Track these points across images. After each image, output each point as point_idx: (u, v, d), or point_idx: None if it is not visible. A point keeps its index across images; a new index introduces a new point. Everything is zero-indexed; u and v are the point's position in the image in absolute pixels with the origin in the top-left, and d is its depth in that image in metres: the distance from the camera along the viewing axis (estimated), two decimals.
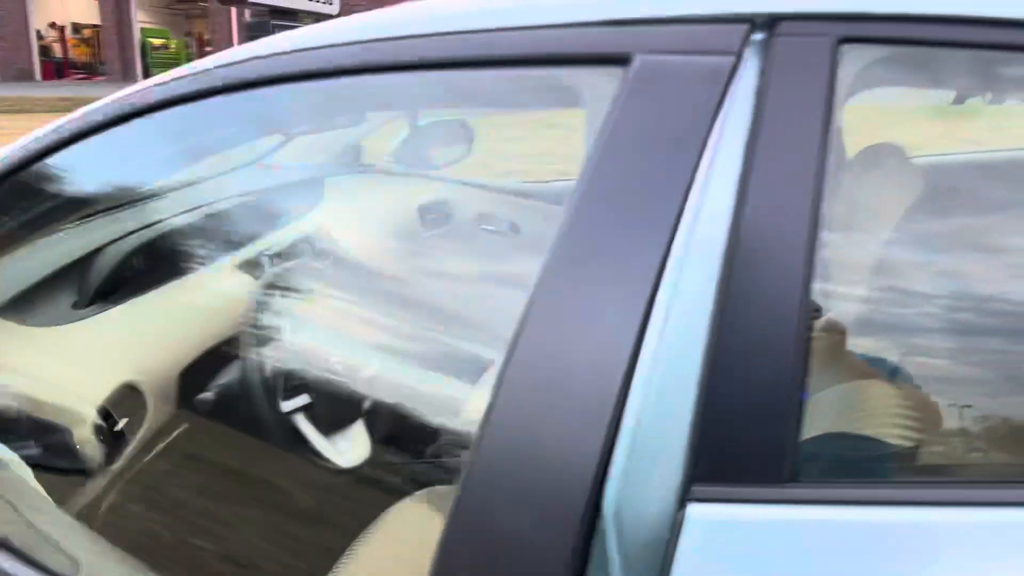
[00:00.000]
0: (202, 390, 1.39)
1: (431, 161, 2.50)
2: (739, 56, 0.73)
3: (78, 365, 1.26)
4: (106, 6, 34.29)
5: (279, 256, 1.71)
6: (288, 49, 0.90)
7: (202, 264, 1.62)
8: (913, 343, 0.91)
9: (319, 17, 17.86)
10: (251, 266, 1.69)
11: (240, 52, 0.96)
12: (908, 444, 0.79)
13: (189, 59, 37.35)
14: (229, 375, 1.37)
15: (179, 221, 1.63)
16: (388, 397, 1.33)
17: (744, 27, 0.74)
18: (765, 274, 0.65)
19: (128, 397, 1.27)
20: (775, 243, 0.72)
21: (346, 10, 19.09)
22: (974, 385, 0.85)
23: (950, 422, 0.81)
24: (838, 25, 0.75)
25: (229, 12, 31.64)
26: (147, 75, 34.86)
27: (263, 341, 1.41)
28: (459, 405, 1.19)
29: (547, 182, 2.47)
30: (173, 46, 38.34)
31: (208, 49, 35.72)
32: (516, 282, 1.21)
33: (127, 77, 34.38)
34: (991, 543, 0.57)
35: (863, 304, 0.90)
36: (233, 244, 1.76)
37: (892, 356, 0.92)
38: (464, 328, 1.29)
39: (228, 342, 1.47)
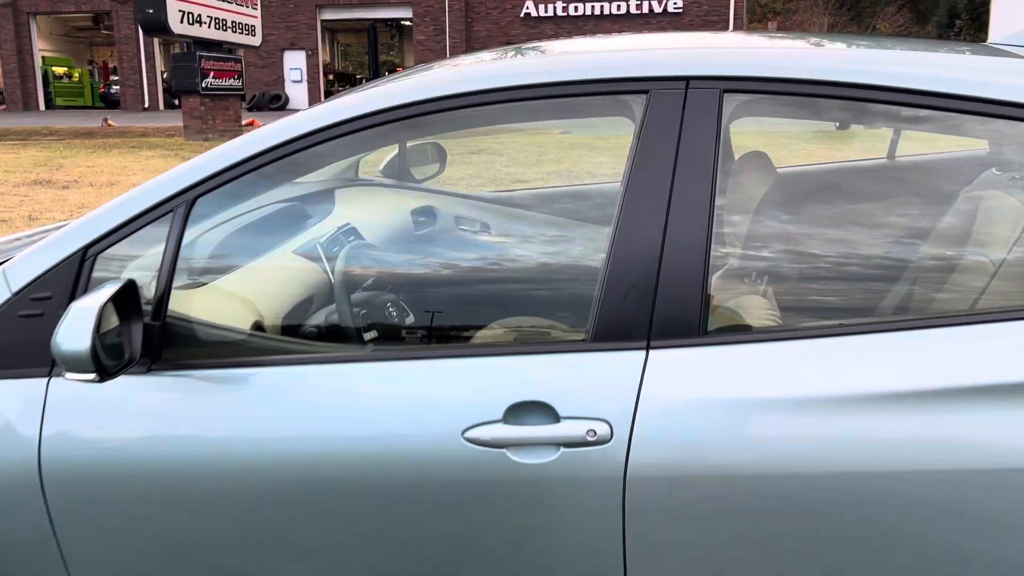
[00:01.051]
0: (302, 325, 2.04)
1: (414, 175, 3.13)
2: (686, 89, 1.47)
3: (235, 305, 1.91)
4: (5, 35, 33.44)
5: (324, 242, 2.36)
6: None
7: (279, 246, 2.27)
8: (766, 269, 1.63)
9: (241, 48, 18.10)
10: (307, 248, 2.34)
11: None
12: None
13: (93, 88, 36.67)
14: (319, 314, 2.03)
15: (265, 214, 2.28)
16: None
17: (679, 80, 1.48)
18: (686, 223, 1.39)
19: (258, 327, 1.91)
20: (691, 198, 1.44)
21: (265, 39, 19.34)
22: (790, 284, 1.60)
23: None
24: (721, 83, 1.49)
25: (137, 41, 31.33)
26: (49, 105, 34.07)
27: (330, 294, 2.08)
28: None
29: (510, 191, 3.14)
30: (76, 75, 37.50)
31: (114, 78, 35.13)
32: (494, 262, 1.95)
33: (28, 107, 33.53)
34: None
35: (738, 248, 1.63)
36: (292, 233, 2.41)
37: (754, 275, 1.64)
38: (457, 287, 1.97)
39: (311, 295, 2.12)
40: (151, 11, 14.96)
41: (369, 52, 38.03)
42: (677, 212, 1.53)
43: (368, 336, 1.93)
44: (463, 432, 1.54)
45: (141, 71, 33.32)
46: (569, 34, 29.98)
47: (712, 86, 1.56)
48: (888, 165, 2.45)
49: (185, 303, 1.80)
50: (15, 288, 1.78)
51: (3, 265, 1.86)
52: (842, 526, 1.44)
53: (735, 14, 28.74)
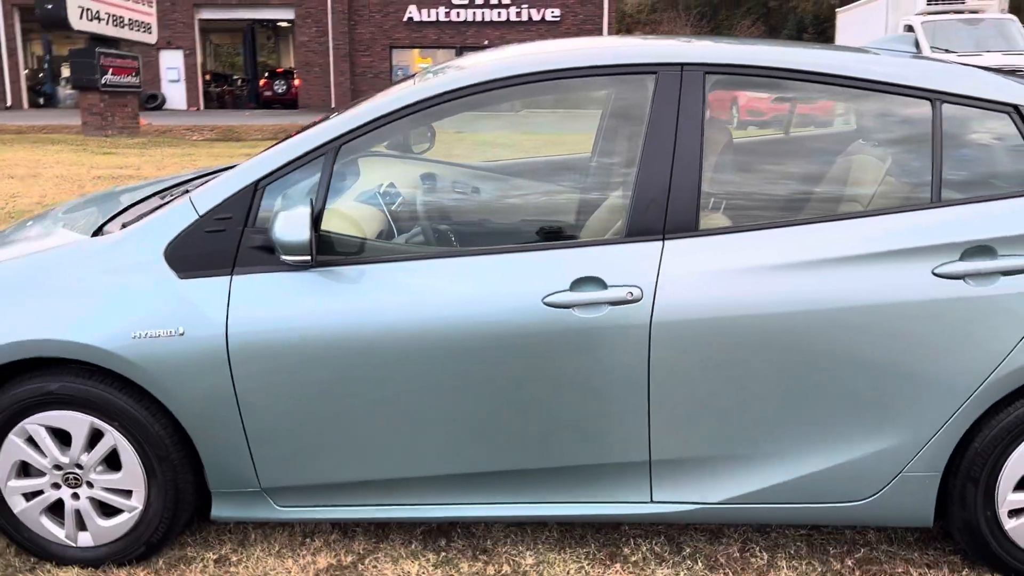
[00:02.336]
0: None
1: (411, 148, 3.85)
2: (680, 73, 2.29)
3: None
4: None
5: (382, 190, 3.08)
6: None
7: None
8: (726, 193, 2.49)
9: (139, 44, 17.94)
10: (367, 196, 3.05)
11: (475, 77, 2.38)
12: None
13: None
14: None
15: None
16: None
17: (674, 66, 2.32)
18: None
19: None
20: (688, 144, 2.29)
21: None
22: None
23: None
24: (704, 67, 2.33)
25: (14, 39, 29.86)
26: None
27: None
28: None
29: (494, 162, 3.92)
30: None
31: None
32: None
33: None
34: None
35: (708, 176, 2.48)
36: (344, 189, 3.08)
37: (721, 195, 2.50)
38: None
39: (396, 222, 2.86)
40: (50, 7, 14.74)
41: (247, 52, 37.58)
42: (679, 153, 2.37)
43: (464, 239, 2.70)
44: (543, 299, 2.33)
45: (3, 69, 31.85)
46: (451, 39, 30.79)
47: (698, 70, 2.41)
48: (790, 137, 3.39)
49: (325, 221, 2.49)
50: (202, 211, 2.44)
51: (190, 194, 2.50)
52: (784, 345, 2.31)
53: (608, 23, 30.32)
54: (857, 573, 2.52)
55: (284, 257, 2.28)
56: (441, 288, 2.37)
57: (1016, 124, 2.39)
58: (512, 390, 2.38)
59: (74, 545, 2.59)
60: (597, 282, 2.33)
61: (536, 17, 30.24)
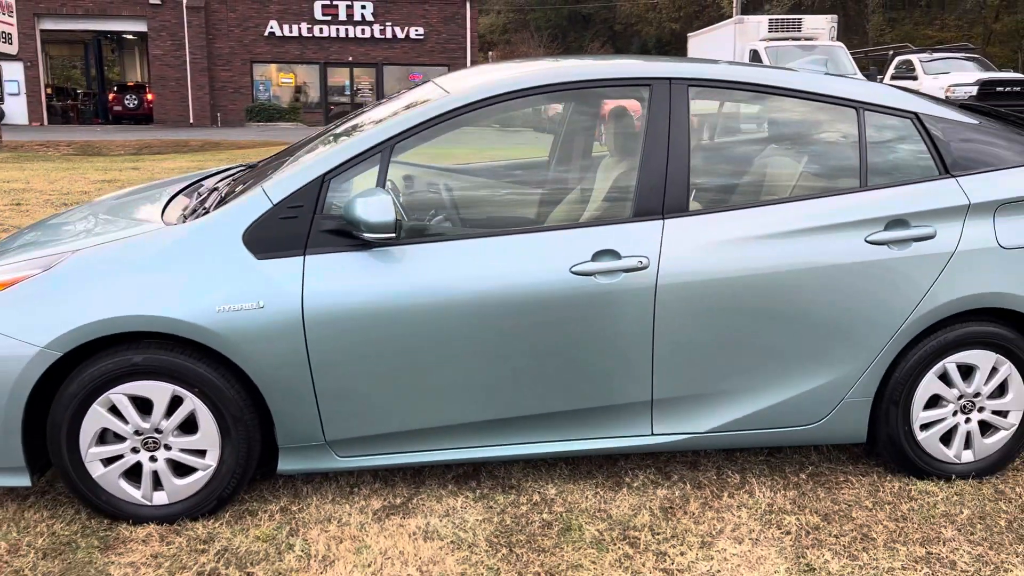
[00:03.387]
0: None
1: None
2: (669, 86, 2.89)
3: None
4: None
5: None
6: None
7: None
8: (705, 184, 3.10)
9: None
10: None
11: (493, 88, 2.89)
12: None
13: None
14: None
15: None
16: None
17: (664, 80, 2.92)
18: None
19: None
20: (678, 138, 2.89)
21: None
22: None
23: None
24: (688, 81, 2.94)
25: None
26: None
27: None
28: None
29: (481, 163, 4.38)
30: None
31: None
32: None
33: None
34: None
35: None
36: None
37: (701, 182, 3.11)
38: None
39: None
40: None
41: (91, 65, 35.98)
42: (673, 146, 2.95)
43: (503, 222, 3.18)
44: (570, 268, 2.85)
45: None
46: (314, 54, 30.72)
47: (683, 83, 3.01)
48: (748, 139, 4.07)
49: None
50: (276, 200, 2.81)
51: (262, 184, 2.86)
52: (756, 299, 2.93)
53: (471, 43, 31.17)
54: (811, 484, 3.18)
55: (369, 236, 2.70)
56: (487, 261, 2.85)
57: (916, 126, 3.13)
58: (546, 344, 2.89)
59: (149, 504, 2.87)
60: (613, 254, 2.88)
61: (400, 35, 30.70)
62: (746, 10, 35.78)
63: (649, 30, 61.30)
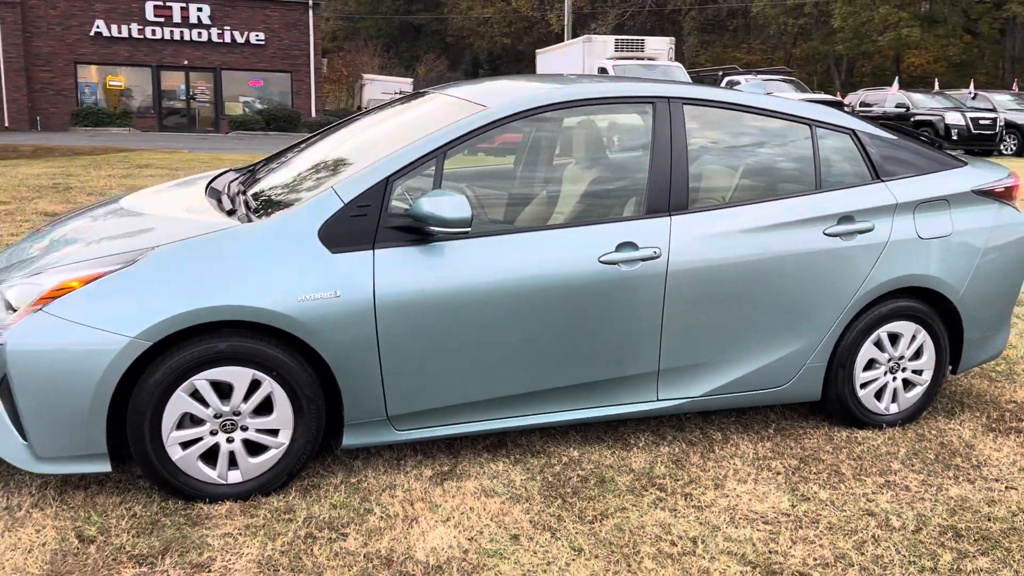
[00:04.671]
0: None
1: None
2: (668, 104, 3.46)
3: None
4: None
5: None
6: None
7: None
8: (705, 186, 3.70)
9: None
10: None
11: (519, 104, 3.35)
12: None
13: None
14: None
15: None
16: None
17: (663, 99, 3.48)
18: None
19: None
20: (677, 145, 3.46)
21: None
22: None
23: None
24: (680, 100, 3.53)
25: None
26: None
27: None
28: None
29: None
30: None
31: None
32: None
33: None
34: None
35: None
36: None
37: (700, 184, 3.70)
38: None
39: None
40: None
41: None
42: (675, 151, 3.50)
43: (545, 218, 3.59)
44: (599, 258, 3.33)
45: None
46: (146, 57, 29.37)
47: (678, 102, 3.57)
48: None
49: None
50: (347, 200, 3.12)
51: (333, 185, 3.14)
52: (742, 282, 3.53)
53: (314, 51, 30.85)
54: (779, 437, 3.82)
55: (445, 230, 3.05)
56: (527, 253, 3.28)
57: (854, 140, 3.85)
58: (576, 324, 3.35)
59: (225, 483, 3.08)
60: (632, 245, 3.39)
61: (240, 40, 29.93)
62: (574, 29, 37.51)
63: (481, 43, 62.68)
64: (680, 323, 3.49)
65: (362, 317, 3.08)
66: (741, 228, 3.55)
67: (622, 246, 3.38)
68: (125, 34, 28.95)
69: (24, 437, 2.94)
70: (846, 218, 3.71)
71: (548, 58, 25.10)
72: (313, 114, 30.82)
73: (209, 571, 2.68)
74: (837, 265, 3.68)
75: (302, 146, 4.34)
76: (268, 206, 3.40)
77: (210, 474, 3.06)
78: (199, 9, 29.39)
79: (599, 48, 20.72)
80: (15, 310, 2.95)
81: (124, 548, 2.78)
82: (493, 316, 3.24)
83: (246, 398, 3.04)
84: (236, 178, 4.07)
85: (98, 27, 28.73)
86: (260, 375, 3.03)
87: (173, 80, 29.99)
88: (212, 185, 3.98)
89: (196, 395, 2.99)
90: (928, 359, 3.94)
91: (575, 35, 38.15)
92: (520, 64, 65.35)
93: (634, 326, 3.44)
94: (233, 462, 3.09)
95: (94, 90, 29.48)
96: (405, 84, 40.14)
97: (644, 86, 3.65)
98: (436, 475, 3.34)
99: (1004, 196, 4.07)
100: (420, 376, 3.22)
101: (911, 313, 3.85)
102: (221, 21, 29.75)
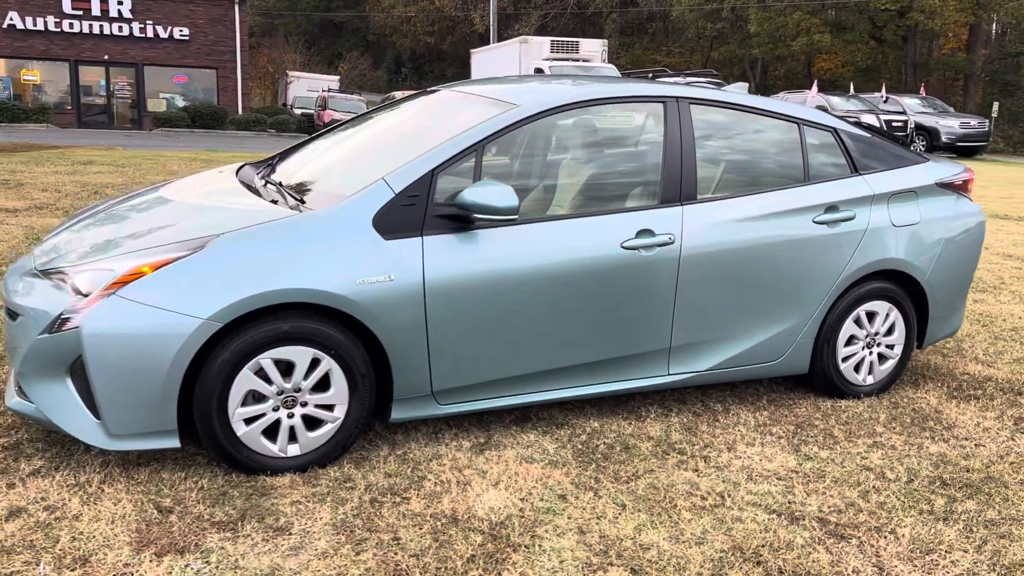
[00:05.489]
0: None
1: None
2: (678, 103, 3.80)
3: None
4: None
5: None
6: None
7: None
8: (709, 176, 4.06)
9: None
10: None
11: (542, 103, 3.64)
12: None
13: None
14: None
15: None
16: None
17: (673, 98, 3.83)
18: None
19: None
20: (686, 139, 3.81)
21: None
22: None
23: None
24: (687, 99, 3.87)
25: None
26: None
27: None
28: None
29: None
30: None
31: None
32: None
33: None
34: None
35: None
36: None
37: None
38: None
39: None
40: None
41: None
42: (684, 145, 3.84)
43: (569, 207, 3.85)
44: (621, 244, 3.64)
45: None
46: (64, 51, 28.44)
47: (685, 102, 3.91)
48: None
49: None
50: (397, 190, 3.34)
51: (385, 177, 3.36)
52: (743, 265, 3.89)
53: (241, 46, 30.38)
54: (772, 407, 4.20)
55: (494, 218, 3.31)
56: (558, 240, 3.56)
57: (835, 137, 4.26)
58: (601, 305, 3.65)
59: (285, 456, 3.27)
60: (650, 232, 3.71)
61: (163, 35, 29.26)
62: (499, 30, 37.89)
63: (404, 42, 62.47)
64: (690, 303, 3.84)
65: (413, 299, 3.31)
66: (743, 216, 3.92)
67: (641, 233, 3.70)
68: (41, 27, 27.99)
69: (97, 416, 3.08)
70: (831, 208, 4.12)
71: (483, 58, 25.39)
72: (240, 111, 30.37)
73: (289, 534, 2.88)
74: (824, 250, 4.08)
75: (319, 141, 4.52)
76: (313, 196, 3.59)
77: (271, 448, 3.25)
78: (119, 2, 28.61)
79: (535, 49, 21.11)
80: (85, 295, 3.08)
81: (203, 516, 2.95)
82: (527, 298, 3.51)
83: (306, 375, 3.24)
84: (263, 171, 4.23)
85: (11, 19, 27.69)
86: (319, 354, 3.23)
87: (92, 75, 29.13)
88: (240, 177, 4.14)
89: (260, 373, 3.17)
90: (899, 335, 4.39)
91: (500, 36, 38.52)
92: (443, 63, 65.45)
93: (650, 306, 3.76)
94: (292, 436, 3.29)
95: (7, 85, 28.38)
96: (332, 82, 39.82)
97: (656, 87, 3.99)
98: (474, 446, 3.60)
99: (962, 189, 4.56)
100: (461, 354, 3.46)
101: (885, 294, 4.29)
102: (143, 15, 29.04)
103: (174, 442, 3.14)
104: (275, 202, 3.56)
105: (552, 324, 3.60)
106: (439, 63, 66.11)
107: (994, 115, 32.41)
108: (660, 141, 3.88)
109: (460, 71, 64.28)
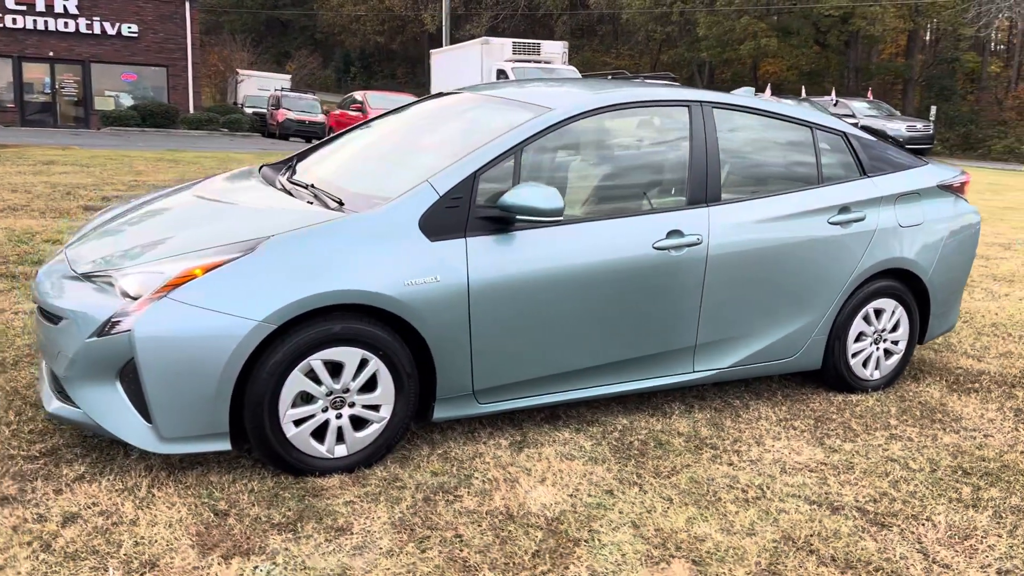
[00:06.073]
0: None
1: None
2: (702, 107, 3.92)
3: None
4: None
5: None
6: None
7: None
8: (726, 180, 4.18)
9: None
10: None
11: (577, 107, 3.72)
12: None
13: None
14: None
15: None
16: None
17: (697, 102, 3.95)
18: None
19: None
20: (710, 139, 3.92)
21: None
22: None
23: None
24: (709, 104, 3.99)
25: None
26: None
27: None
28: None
29: None
30: None
31: None
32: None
33: None
34: None
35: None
36: None
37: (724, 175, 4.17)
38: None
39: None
40: None
41: None
42: (709, 148, 3.94)
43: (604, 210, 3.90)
44: (653, 244, 3.73)
45: None
46: (6, 47, 27.58)
47: (709, 106, 4.01)
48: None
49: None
50: (441, 192, 3.37)
51: (429, 179, 3.39)
52: (764, 264, 4.02)
53: (192, 43, 29.80)
54: (789, 402, 4.33)
55: (539, 219, 3.36)
56: (593, 240, 3.63)
57: (844, 141, 4.42)
58: (632, 304, 3.73)
59: (332, 457, 3.28)
60: (679, 233, 3.80)
61: (111, 31, 28.57)
62: (450, 31, 37.85)
63: (353, 41, 62.06)
64: (715, 302, 3.94)
65: (458, 300, 3.35)
66: (764, 217, 4.04)
67: (671, 233, 3.79)
68: None
69: (148, 420, 3.05)
70: (844, 209, 4.27)
71: (444, 59, 25.34)
72: (191, 110, 29.81)
73: (351, 533, 2.89)
74: (838, 250, 4.22)
75: (334, 143, 4.52)
76: (350, 198, 3.58)
77: (320, 449, 3.26)
78: None
79: (497, 51, 21.16)
80: (134, 298, 3.05)
81: (260, 518, 2.95)
82: (564, 298, 3.57)
83: (354, 376, 3.25)
84: (285, 173, 4.21)
85: None
86: (368, 354, 3.24)
87: (37, 72, 28.30)
88: (267, 179, 4.12)
89: (310, 374, 3.17)
90: (903, 331, 4.56)
91: (452, 36, 38.47)
92: (393, 63, 65.15)
93: (679, 305, 3.86)
94: (340, 437, 3.29)
95: None
96: (284, 81, 39.32)
97: (681, 91, 4.08)
98: (512, 444, 3.65)
99: (959, 190, 4.75)
100: (501, 353, 3.51)
101: (891, 292, 4.46)
102: (89, 11, 28.32)
103: (225, 445, 3.12)
104: (311, 204, 3.56)
105: (588, 323, 3.66)
106: (389, 63, 65.79)
107: (932, 118, 33.50)
108: (686, 144, 3.98)
109: (410, 71, 64.11)
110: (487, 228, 3.45)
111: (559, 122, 3.69)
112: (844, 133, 4.45)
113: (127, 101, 29.11)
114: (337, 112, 20.38)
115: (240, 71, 40.91)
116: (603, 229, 3.68)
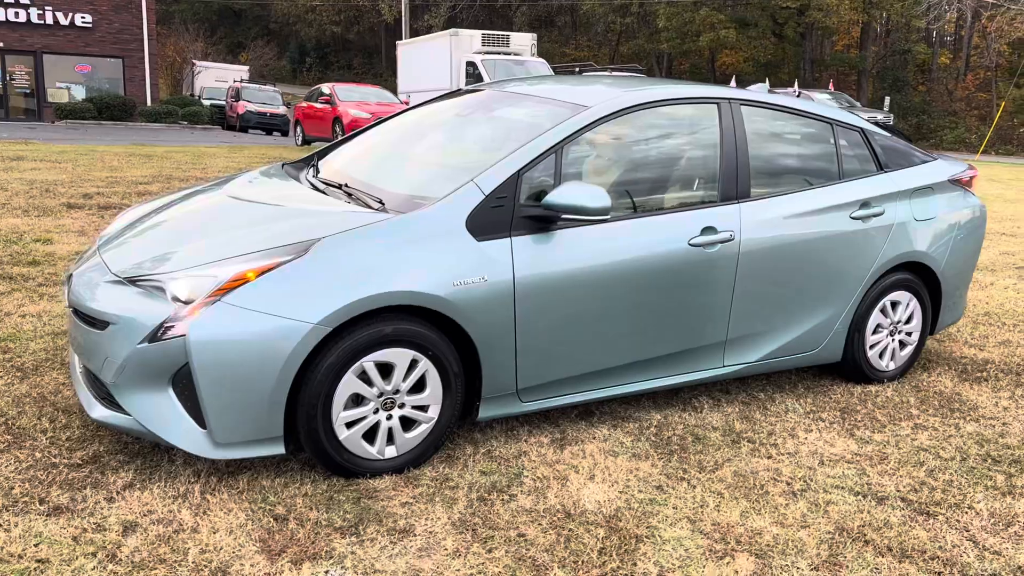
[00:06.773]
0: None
1: None
2: (731, 104, 3.97)
3: None
4: None
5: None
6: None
7: None
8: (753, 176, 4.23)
9: None
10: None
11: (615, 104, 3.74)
12: None
13: None
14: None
15: None
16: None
17: (726, 100, 4.00)
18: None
19: None
20: (739, 136, 3.98)
21: None
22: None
23: None
24: (739, 101, 4.04)
25: None
26: None
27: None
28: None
29: None
30: None
31: None
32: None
33: None
34: None
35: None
36: None
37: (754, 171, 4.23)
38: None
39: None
40: None
41: None
42: (739, 143, 3.98)
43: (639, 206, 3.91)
44: (688, 241, 3.76)
45: None
46: None
47: (736, 103, 4.06)
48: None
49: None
50: (486, 192, 3.37)
51: (475, 179, 3.37)
52: (792, 258, 4.08)
53: (148, 34, 29.13)
54: (811, 395, 4.41)
55: (587, 218, 3.36)
56: (632, 238, 3.66)
57: (862, 137, 4.50)
58: (669, 300, 3.77)
59: (382, 458, 3.26)
60: (713, 230, 3.85)
61: (64, 21, 27.79)
62: (410, 23, 37.56)
63: (309, 31, 61.20)
64: (746, 297, 3.99)
65: (504, 299, 3.35)
66: (791, 212, 4.10)
67: (705, 230, 3.83)
68: None
69: (202, 425, 3.00)
70: (864, 203, 4.35)
71: (411, 50, 25.11)
72: (148, 102, 29.17)
73: (414, 535, 2.89)
74: (860, 244, 4.31)
75: (355, 141, 4.48)
76: (388, 197, 3.55)
77: (370, 450, 3.24)
78: None
79: (466, 43, 21.03)
80: (186, 302, 3.00)
81: (321, 522, 2.92)
82: (605, 295, 3.59)
83: (404, 377, 3.23)
84: (310, 171, 4.16)
85: None
86: (418, 355, 3.23)
87: None
88: (295, 176, 4.06)
89: (363, 376, 3.15)
90: (917, 323, 4.67)
91: (411, 27, 38.19)
92: (350, 54, 64.48)
93: (712, 301, 3.90)
94: (389, 438, 3.28)
95: None
96: (242, 72, 38.68)
97: (710, 89, 4.12)
98: (553, 441, 3.66)
99: (968, 184, 4.88)
100: (544, 351, 3.52)
101: (907, 284, 4.56)
102: (41, 1, 27.51)
103: (279, 448, 3.09)
104: (348, 204, 3.53)
105: (627, 320, 3.69)
106: (345, 53, 65.08)
107: (886, 109, 34.20)
108: (717, 141, 4.02)
109: (367, 61, 63.53)
110: (529, 227, 3.45)
111: (597, 120, 3.70)
112: (862, 129, 4.53)
113: (80, 93, 28.39)
114: (304, 105, 20.06)
115: (197, 62, 40.15)
116: (640, 226, 3.71)
